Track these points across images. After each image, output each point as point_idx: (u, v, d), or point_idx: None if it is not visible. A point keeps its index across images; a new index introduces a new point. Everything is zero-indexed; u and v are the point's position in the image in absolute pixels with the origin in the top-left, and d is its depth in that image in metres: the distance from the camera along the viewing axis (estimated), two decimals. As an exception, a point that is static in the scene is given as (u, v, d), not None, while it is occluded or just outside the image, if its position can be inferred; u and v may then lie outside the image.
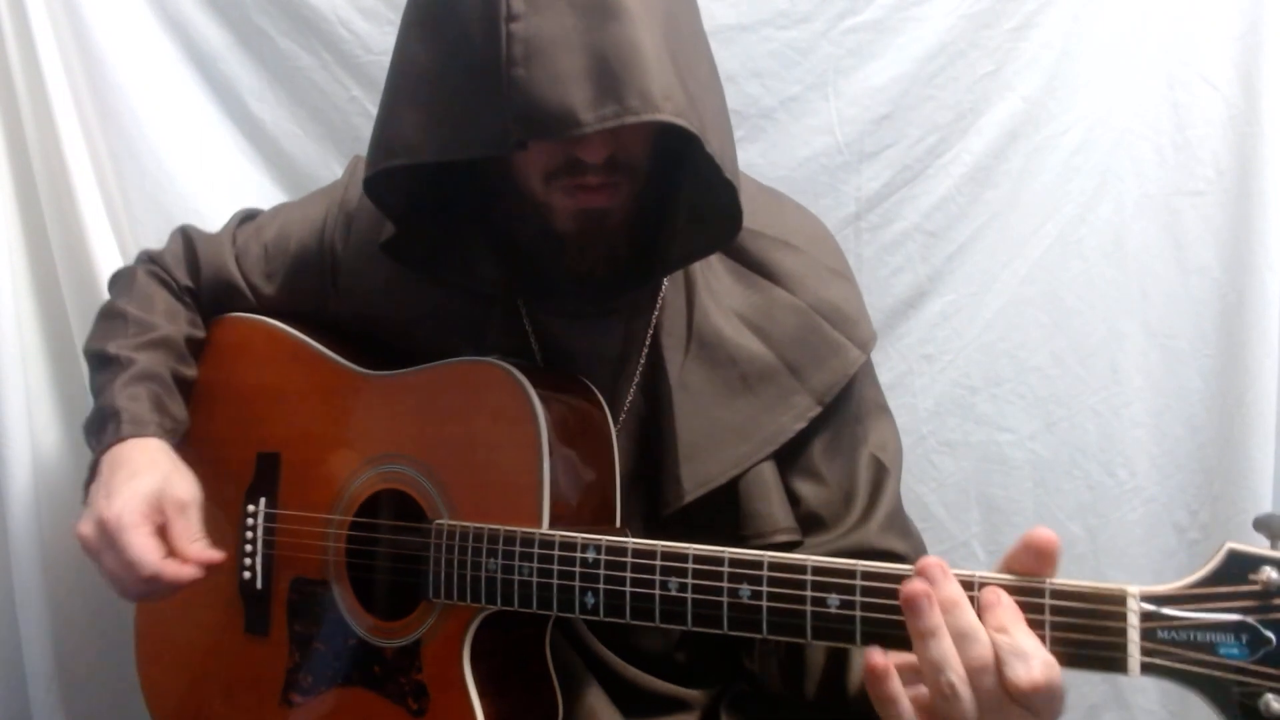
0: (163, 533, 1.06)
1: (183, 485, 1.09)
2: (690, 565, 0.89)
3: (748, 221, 1.06)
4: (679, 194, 1.03)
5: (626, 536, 0.94)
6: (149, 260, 1.29)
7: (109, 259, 1.51)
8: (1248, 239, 1.51)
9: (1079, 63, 1.53)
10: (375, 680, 1.07)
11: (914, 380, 1.61)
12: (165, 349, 1.21)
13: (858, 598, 0.84)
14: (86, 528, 1.06)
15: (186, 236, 1.29)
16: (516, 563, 0.97)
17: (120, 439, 1.12)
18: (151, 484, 1.07)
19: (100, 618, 1.60)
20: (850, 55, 1.54)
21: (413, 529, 1.06)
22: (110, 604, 1.60)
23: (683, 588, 0.89)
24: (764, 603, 0.87)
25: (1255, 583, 0.74)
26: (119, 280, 1.30)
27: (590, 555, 0.94)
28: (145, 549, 1.03)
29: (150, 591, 1.05)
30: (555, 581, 0.95)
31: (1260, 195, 1.50)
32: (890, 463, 1.12)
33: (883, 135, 1.55)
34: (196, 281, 1.26)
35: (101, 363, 1.20)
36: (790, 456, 1.09)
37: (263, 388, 1.22)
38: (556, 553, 0.95)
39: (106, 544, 1.04)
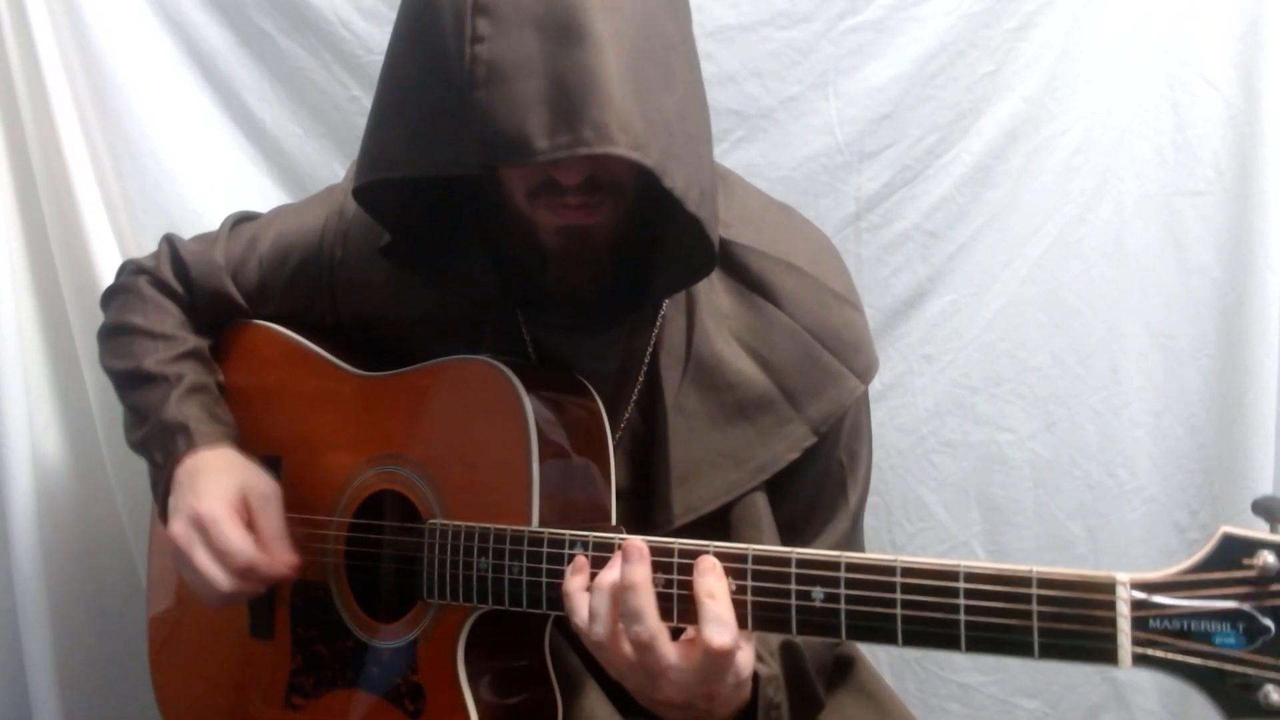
0: (249, 527, 1.08)
1: (263, 481, 1.11)
2: (676, 560, 0.89)
3: (752, 239, 1.06)
4: (667, 220, 1.01)
5: (619, 533, 0.94)
6: (142, 272, 1.27)
7: (109, 259, 1.51)
8: (1248, 239, 1.51)
9: (1079, 63, 1.53)
10: (374, 682, 1.07)
11: (914, 380, 1.60)
12: (199, 360, 1.22)
13: (842, 590, 0.83)
14: (179, 526, 1.07)
15: (174, 248, 1.27)
16: (506, 561, 0.97)
17: (193, 449, 1.13)
18: (236, 480, 1.09)
19: (100, 618, 1.60)
20: (850, 55, 1.53)
21: (407, 529, 1.06)
22: (110, 604, 1.61)
23: (669, 583, 0.89)
24: (749, 597, 0.86)
25: (1251, 568, 0.72)
26: (121, 294, 1.28)
27: (578, 553, 0.93)
28: (240, 539, 1.05)
29: (240, 589, 1.06)
30: (544, 580, 0.95)
31: (1260, 195, 1.50)
32: (853, 495, 1.13)
33: (883, 135, 1.55)
34: (191, 293, 1.25)
35: (140, 380, 1.20)
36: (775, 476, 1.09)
37: (263, 392, 1.22)
38: (545, 550, 0.95)
39: (199, 539, 1.05)
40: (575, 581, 0.91)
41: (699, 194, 0.93)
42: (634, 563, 0.87)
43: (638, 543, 0.88)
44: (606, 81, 0.86)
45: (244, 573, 1.05)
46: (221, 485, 1.08)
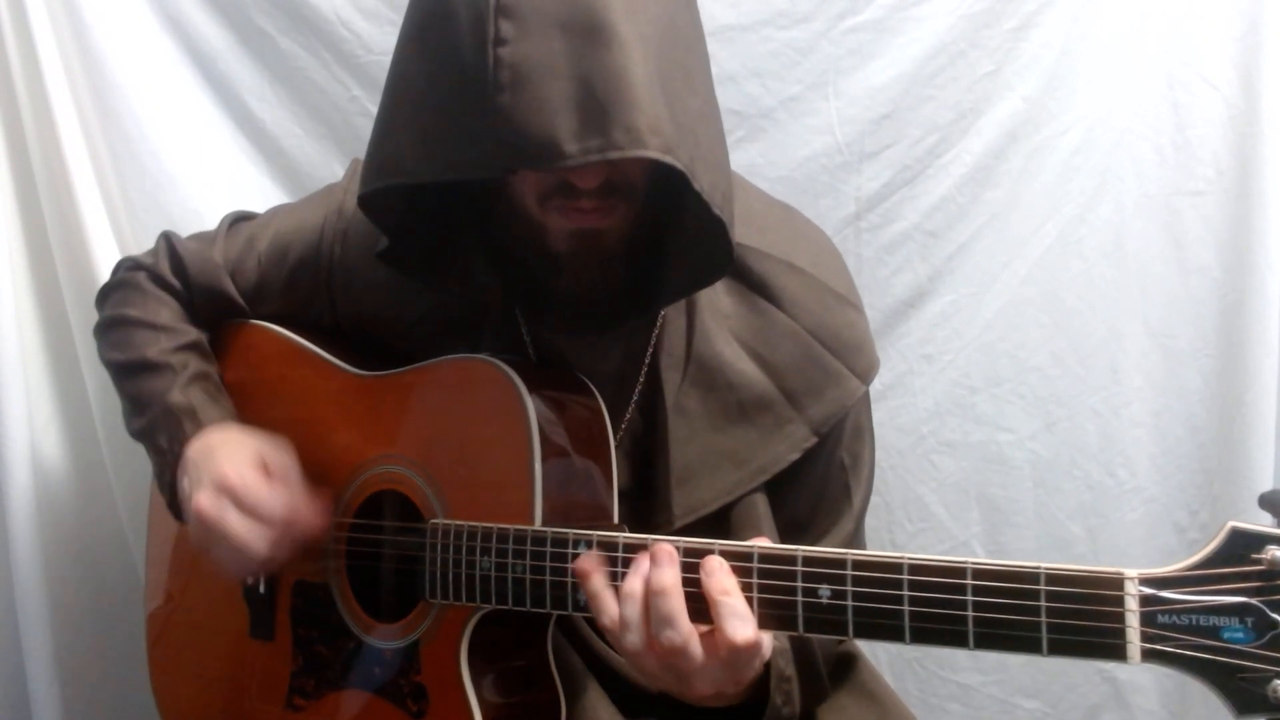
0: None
1: (278, 449, 1.10)
2: (680, 559, 0.89)
3: (754, 240, 1.05)
4: (678, 220, 1.00)
5: (622, 532, 0.94)
6: (140, 268, 1.27)
7: (109, 259, 1.50)
8: (1248, 239, 1.51)
9: (1079, 63, 1.53)
10: (376, 682, 1.07)
11: (914, 380, 1.61)
12: (200, 351, 1.22)
13: (849, 588, 0.83)
14: (205, 497, 1.04)
15: (172, 246, 1.26)
16: (509, 560, 0.97)
17: (201, 431, 1.13)
18: (254, 447, 1.08)
19: (100, 618, 1.60)
20: (850, 55, 1.53)
21: (409, 529, 1.05)
22: (110, 603, 1.61)
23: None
24: (755, 594, 0.87)
25: (1260, 562, 0.72)
26: (120, 289, 1.28)
27: (581, 551, 0.93)
28: (273, 495, 1.03)
29: (272, 555, 1.05)
30: (547, 579, 0.95)
31: (1260, 195, 1.50)
32: (857, 496, 1.13)
33: (883, 135, 1.55)
34: (189, 291, 1.25)
35: (142, 369, 1.20)
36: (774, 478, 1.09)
37: (261, 392, 1.22)
38: (548, 549, 0.95)
39: (227, 505, 1.03)
40: (597, 581, 0.91)
41: (721, 196, 0.93)
42: (664, 566, 0.87)
43: (667, 546, 0.88)
44: (635, 84, 0.85)
45: (282, 529, 1.04)
46: (241, 452, 1.07)
